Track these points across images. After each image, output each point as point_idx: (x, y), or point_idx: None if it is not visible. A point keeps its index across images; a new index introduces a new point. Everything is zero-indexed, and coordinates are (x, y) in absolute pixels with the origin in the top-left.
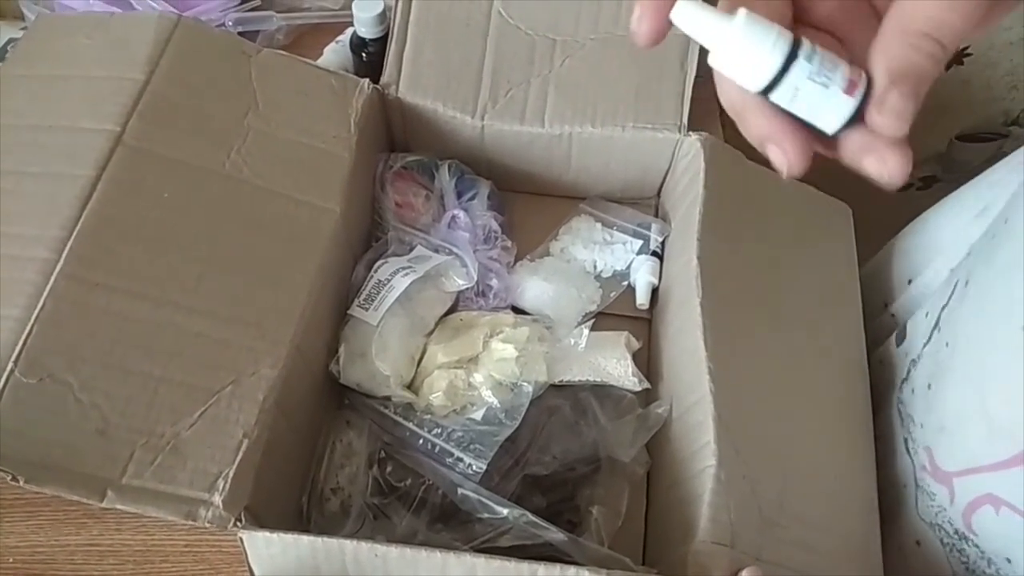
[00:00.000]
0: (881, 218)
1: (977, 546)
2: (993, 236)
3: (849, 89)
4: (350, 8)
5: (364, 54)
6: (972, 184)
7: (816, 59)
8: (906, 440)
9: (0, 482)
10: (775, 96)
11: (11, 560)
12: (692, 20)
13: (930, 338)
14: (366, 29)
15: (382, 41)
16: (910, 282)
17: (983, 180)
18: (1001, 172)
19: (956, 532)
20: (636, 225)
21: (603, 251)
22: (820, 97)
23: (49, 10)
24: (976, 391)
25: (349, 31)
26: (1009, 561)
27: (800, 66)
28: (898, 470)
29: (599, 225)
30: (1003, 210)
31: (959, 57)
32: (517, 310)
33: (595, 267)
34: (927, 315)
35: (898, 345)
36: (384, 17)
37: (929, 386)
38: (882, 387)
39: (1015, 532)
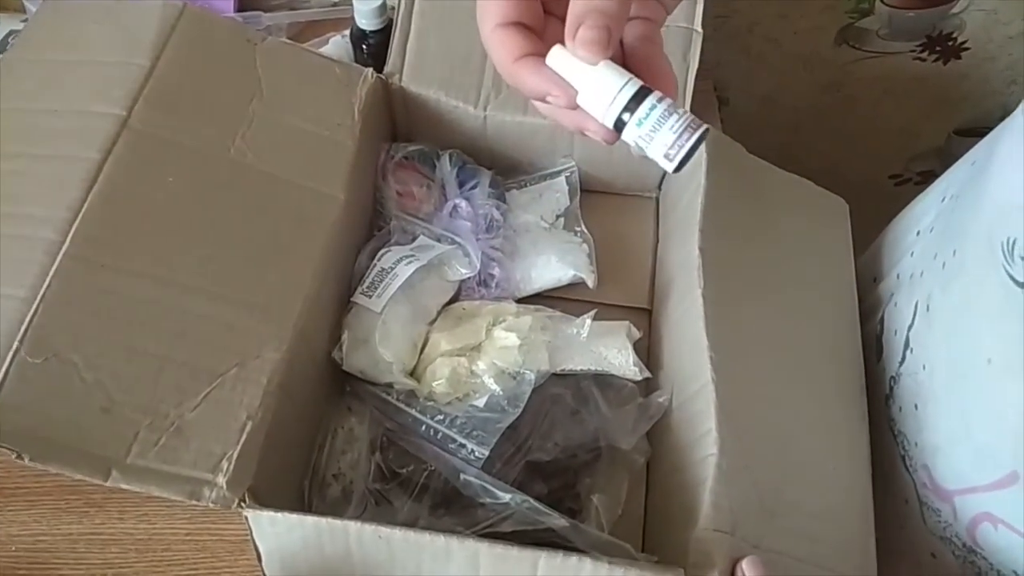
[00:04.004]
0: (876, 213)
1: (985, 559)
2: (944, 264)
3: (679, 139)
4: (350, 2)
5: (364, 46)
6: (930, 190)
7: (659, 107)
8: (903, 458)
9: (1, 471)
10: (625, 135)
11: (13, 549)
12: (562, 65)
13: (904, 358)
14: (366, 21)
15: (382, 33)
16: (874, 280)
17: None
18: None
19: (964, 546)
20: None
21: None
22: (658, 140)
23: None
24: (959, 415)
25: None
26: (1017, 574)
27: (642, 112)
28: (899, 486)
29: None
30: (947, 235)
31: (957, 51)
32: (521, 301)
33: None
34: (896, 334)
35: (877, 361)
36: (384, 9)
37: (916, 407)
38: (868, 402)
39: (1014, 549)
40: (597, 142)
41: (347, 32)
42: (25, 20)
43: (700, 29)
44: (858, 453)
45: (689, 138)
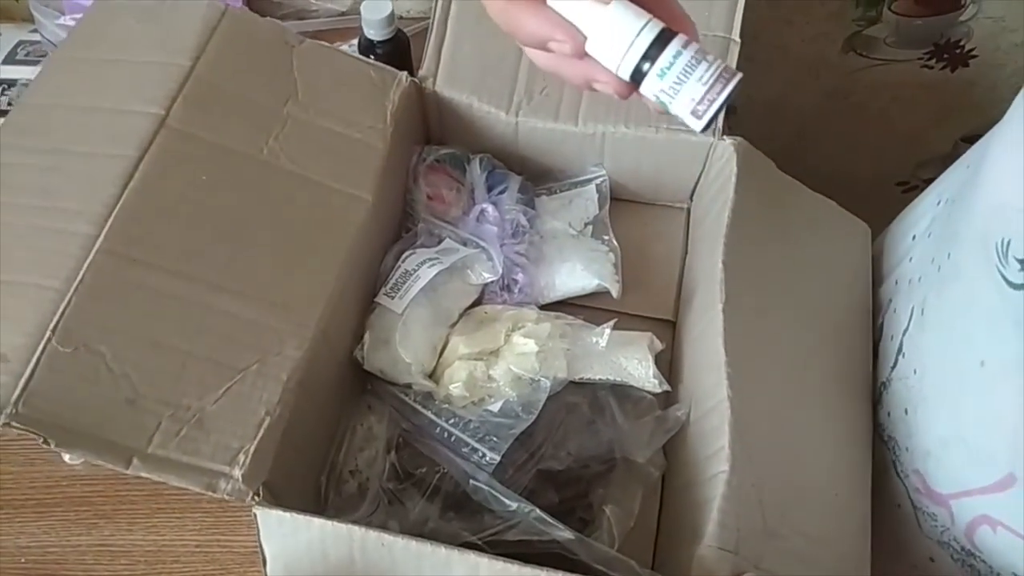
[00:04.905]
0: (883, 220)
1: (984, 561)
2: (939, 268)
3: (709, 92)
4: (358, 12)
5: (372, 56)
6: (928, 191)
7: (685, 53)
8: (894, 463)
9: (11, 482)
10: (644, 88)
11: (23, 560)
12: (568, 6)
13: (896, 363)
14: (374, 31)
15: (390, 43)
16: (873, 283)
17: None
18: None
19: (963, 549)
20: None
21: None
22: (684, 93)
23: (58, 12)
24: (952, 419)
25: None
26: None
27: (665, 59)
28: (889, 491)
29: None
30: (943, 239)
31: (964, 59)
32: (544, 308)
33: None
34: (892, 339)
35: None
36: (392, 19)
37: (906, 411)
38: None
39: (1014, 551)
40: (629, 150)
41: (355, 42)
42: (34, 30)
43: (738, 39)
44: (862, 480)
45: (721, 90)
